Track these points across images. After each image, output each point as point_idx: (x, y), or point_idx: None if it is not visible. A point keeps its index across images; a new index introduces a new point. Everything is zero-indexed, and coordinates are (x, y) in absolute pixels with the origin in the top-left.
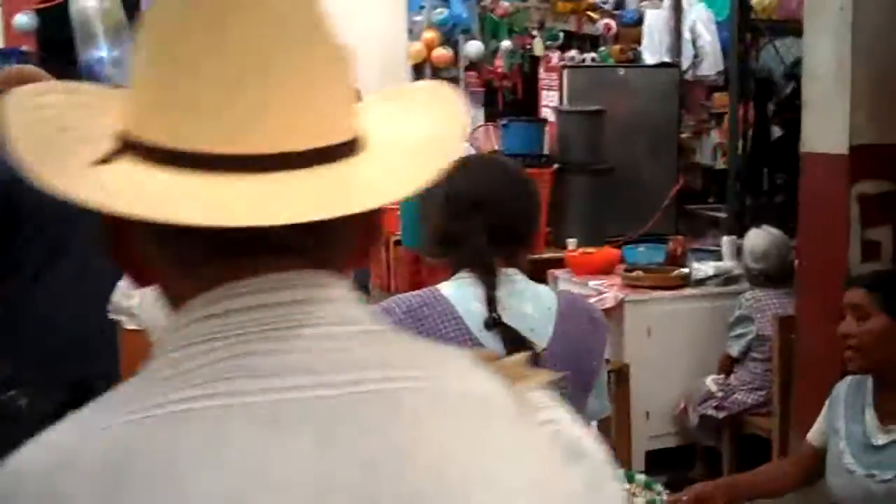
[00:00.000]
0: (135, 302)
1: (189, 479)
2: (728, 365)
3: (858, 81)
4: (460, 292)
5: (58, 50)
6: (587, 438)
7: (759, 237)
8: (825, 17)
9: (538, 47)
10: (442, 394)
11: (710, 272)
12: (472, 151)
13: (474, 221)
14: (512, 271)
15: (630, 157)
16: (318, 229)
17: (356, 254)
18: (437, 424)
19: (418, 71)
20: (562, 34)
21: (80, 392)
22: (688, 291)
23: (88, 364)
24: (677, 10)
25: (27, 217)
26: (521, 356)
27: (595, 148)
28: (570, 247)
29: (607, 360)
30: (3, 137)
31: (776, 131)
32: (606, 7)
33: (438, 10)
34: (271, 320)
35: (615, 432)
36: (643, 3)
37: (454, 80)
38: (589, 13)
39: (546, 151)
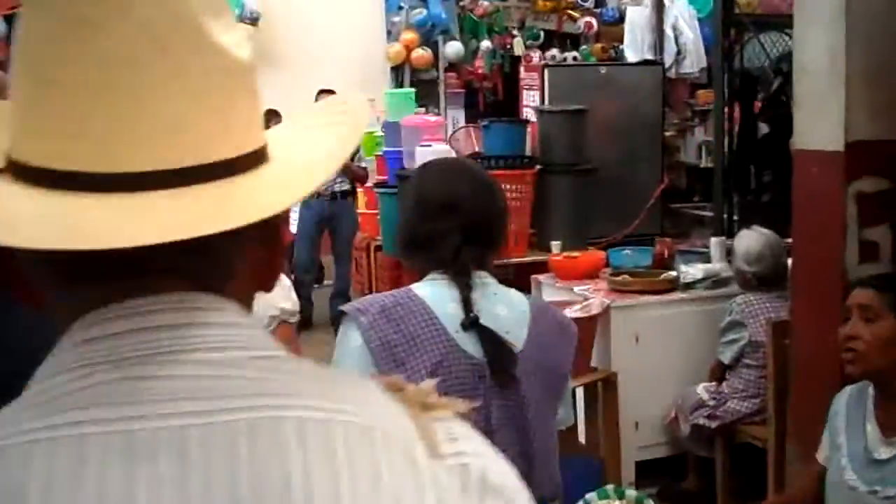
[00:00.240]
0: None
1: None
2: (719, 372)
3: (854, 74)
4: (435, 293)
5: None
6: (503, 473)
7: (751, 239)
8: (817, 6)
9: (518, 47)
10: (326, 424)
11: (699, 275)
12: (453, 154)
13: (447, 222)
14: (483, 274)
15: (613, 157)
16: (201, 250)
17: (259, 271)
18: (314, 457)
19: (398, 72)
20: (542, 33)
21: None
22: (676, 296)
23: None
24: (659, 7)
25: None
26: (427, 384)
27: (577, 148)
28: (555, 250)
29: (594, 368)
30: None
31: (763, 128)
32: (587, 5)
33: (417, 10)
34: (143, 346)
35: (604, 442)
36: (624, 1)
37: (434, 82)
38: (569, 12)
39: (528, 152)
